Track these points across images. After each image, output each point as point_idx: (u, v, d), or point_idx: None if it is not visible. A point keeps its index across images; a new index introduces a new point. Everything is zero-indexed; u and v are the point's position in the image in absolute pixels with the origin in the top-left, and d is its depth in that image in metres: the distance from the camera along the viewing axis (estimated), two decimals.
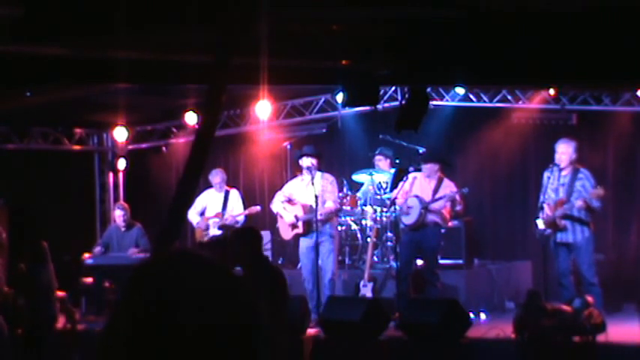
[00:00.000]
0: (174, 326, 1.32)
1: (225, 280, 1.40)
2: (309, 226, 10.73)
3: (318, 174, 10.88)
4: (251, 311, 1.39)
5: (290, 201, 11.02)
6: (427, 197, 10.63)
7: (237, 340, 1.35)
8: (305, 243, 10.83)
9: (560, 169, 9.90)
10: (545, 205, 9.94)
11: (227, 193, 12.02)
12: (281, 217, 11.12)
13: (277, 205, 11.13)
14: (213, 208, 11.93)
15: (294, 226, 10.93)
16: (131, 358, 1.33)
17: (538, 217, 9.97)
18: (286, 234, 11.15)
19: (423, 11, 7.46)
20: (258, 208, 12.04)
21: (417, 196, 10.64)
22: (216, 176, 11.97)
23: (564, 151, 9.91)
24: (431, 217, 10.62)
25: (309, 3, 7.30)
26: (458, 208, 10.77)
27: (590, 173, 9.92)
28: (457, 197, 10.64)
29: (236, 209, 11.96)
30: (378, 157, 12.19)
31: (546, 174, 10.03)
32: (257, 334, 1.38)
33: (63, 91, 11.02)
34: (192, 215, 11.80)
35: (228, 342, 1.34)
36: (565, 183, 9.88)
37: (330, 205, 10.77)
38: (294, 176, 11.70)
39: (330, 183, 10.92)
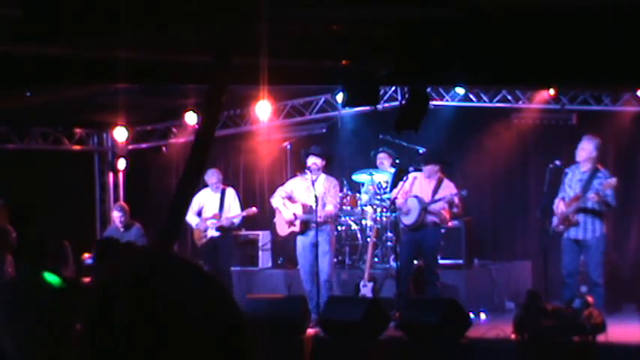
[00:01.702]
0: (158, 327, 1.32)
1: (204, 279, 1.40)
2: (307, 225, 10.74)
3: (322, 176, 10.87)
4: (232, 309, 1.39)
5: (290, 198, 11.02)
6: (427, 198, 10.63)
7: (221, 339, 1.35)
8: (301, 242, 10.84)
9: (578, 165, 9.95)
10: (560, 202, 9.96)
11: (223, 193, 11.94)
12: (279, 212, 11.11)
13: (277, 200, 11.12)
14: (210, 208, 11.85)
15: (290, 223, 10.94)
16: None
17: (554, 215, 9.99)
18: (282, 230, 11.15)
19: (423, 11, 7.46)
20: (254, 209, 11.97)
21: (416, 197, 10.64)
22: (212, 177, 11.88)
23: (584, 147, 9.97)
24: (430, 218, 10.62)
25: (309, 3, 7.30)
26: (455, 210, 10.79)
27: (609, 173, 9.95)
28: (455, 200, 10.65)
29: (233, 208, 11.88)
30: (382, 155, 12.18)
31: (565, 170, 10.07)
32: (240, 332, 1.38)
33: (63, 91, 11.02)
34: (190, 216, 11.71)
35: (212, 341, 1.34)
36: (582, 179, 9.91)
37: (330, 208, 10.75)
38: (294, 175, 11.70)
39: (332, 187, 10.90)
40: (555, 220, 9.99)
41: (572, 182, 9.98)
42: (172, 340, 1.32)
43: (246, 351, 1.37)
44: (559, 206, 9.99)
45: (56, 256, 9.41)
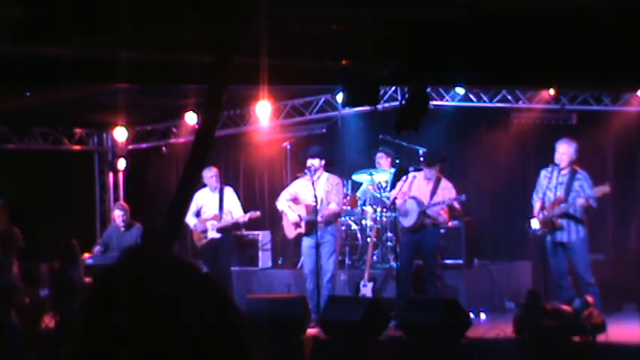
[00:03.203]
0: (150, 327, 1.32)
1: (199, 278, 1.40)
2: (312, 226, 10.72)
3: (325, 175, 10.85)
4: (229, 310, 1.39)
5: (295, 200, 11.01)
6: (425, 199, 10.62)
7: (219, 340, 1.35)
8: (307, 242, 10.82)
9: (560, 169, 9.91)
10: (538, 205, 9.95)
11: (222, 192, 11.84)
12: (286, 215, 11.10)
13: (282, 203, 11.09)
14: (210, 208, 11.71)
15: (297, 225, 10.94)
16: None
17: (533, 217, 9.98)
18: (290, 233, 11.13)
19: (423, 11, 7.46)
20: (257, 213, 11.84)
21: (414, 199, 10.62)
22: (209, 171, 11.73)
23: (564, 151, 9.91)
24: (429, 220, 10.62)
25: (309, 3, 7.30)
26: (455, 213, 10.81)
27: (587, 174, 9.92)
28: (455, 204, 10.65)
29: (233, 208, 11.78)
30: (379, 155, 12.18)
31: (544, 172, 10.04)
32: (237, 333, 1.38)
33: (63, 91, 11.02)
34: (189, 217, 11.56)
35: (210, 341, 1.34)
36: (563, 182, 9.89)
37: (333, 206, 10.73)
38: (295, 178, 11.69)
39: (334, 185, 10.85)
40: (535, 223, 9.96)
41: (552, 185, 9.95)
42: (170, 340, 1.32)
43: (244, 352, 1.37)
44: (539, 209, 9.96)
45: (67, 256, 9.45)
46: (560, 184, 9.91)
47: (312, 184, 10.68)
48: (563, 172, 9.91)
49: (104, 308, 1.35)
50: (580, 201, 9.70)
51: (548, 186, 9.94)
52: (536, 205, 10.01)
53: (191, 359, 1.33)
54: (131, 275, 1.38)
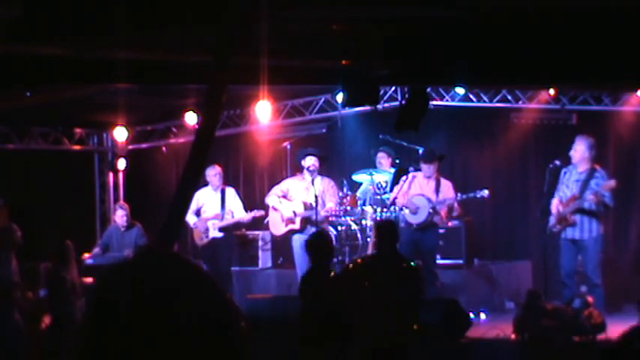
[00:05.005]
0: (152, 326, 1.32)
1: (201, 278, 1.40)
2: (306, 223, 10.75)
3: (318, 177, 10.89)
4: (228, 309, 1.39)
5: (285, 197, 11.01)
6: (430, 196, 10.68)
7: (216, 339, 1.35)
8: (300, 240, 10.80)
9: (576, 166, 9.97)
10: (557, 201, 9.98)
11: (223, 192, 11.86)
12: (275, 209, 11.07)
13: (273, 199, 11.09)
14: (211, 208, 11.73)
15: (289, 221, 10.91)
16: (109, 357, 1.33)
17: (551, 215, 10.03)
18: (277, 229, 11.08)
19: (423, 11, 7.46)
20: (262, 212, 11.84)
21: (423, 195, 10.65)
22: (212, 169, 11.72)
23: (576, 148, 9.98)
24: (438, 217, 10.66)
25: (309, 3, 7.30)
26: (454, 214, 10.83)
27: (605, 173, 9.96)
28: (455, 204, 10.69)
29: (234, 208, 11.80)
30: (380, 155, 12.17)
31: (563, 170, 10.10)
32: (235, 333, 1.38)
33: (63, 91, 11.02)
34: (189, 216, 11.53)
35: (207, 340, 1.35)
36: (580, 179, 9.93)
37: (331, 205, 10.81)
38: (292, 175, 11.69)
39: (330, 187, 10.99)
40: (552, 220, 10.01)
41: (569, 182, 10.00)
42: (171, 339, 1.33)
43: (241, 351, 1.38)
44: (556, 206, 10.01)
45: (60, 256, 9.44)
46: (576, 182, 9.96)
47: (312, 183, 10.71)
48: (580, 169, 9.96)
49: (106, 308, 1.35)
50: (590, 196, 9.72)
51: (567, 184, 10.00)
52: (556, 203, 10.02)
53: (191, 358, 1.33)
54: (132, 275, 1.38)
